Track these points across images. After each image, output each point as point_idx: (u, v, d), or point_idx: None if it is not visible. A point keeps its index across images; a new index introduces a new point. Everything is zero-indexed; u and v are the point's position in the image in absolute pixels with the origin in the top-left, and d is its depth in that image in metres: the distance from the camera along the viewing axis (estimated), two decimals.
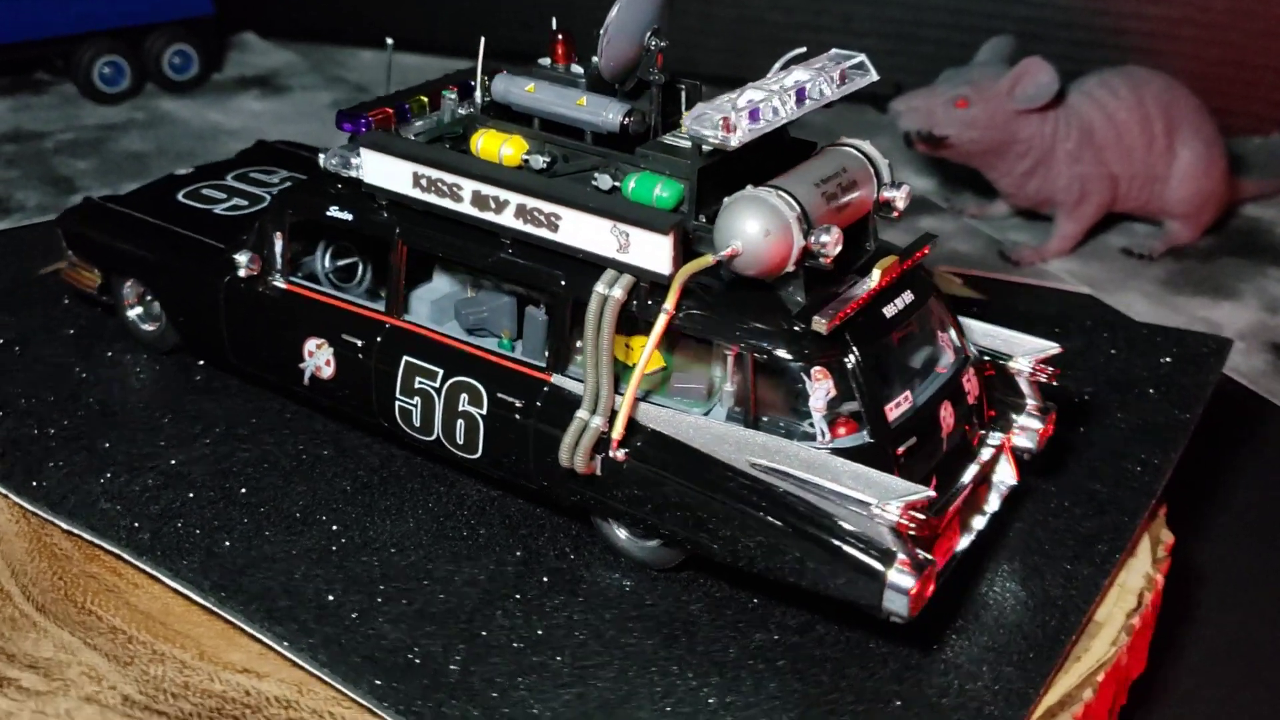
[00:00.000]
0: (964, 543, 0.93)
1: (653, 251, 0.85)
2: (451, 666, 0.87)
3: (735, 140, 0.81)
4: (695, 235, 0.87)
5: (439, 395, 0.97)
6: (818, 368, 0.84)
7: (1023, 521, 1.04)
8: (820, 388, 0.84)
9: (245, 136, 2.36)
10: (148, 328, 1.23)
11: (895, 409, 0.87)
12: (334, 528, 1.01)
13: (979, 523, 0.96)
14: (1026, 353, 0.99)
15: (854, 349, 0.85)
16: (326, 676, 0.87)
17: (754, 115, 0.83)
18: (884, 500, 0.80)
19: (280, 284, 1.08)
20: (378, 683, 0.85)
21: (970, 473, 0.94)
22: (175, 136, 2.37)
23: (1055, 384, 0.99)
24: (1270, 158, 2.39)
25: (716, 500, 0.85)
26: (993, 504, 0.98)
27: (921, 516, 0.80)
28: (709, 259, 0.83)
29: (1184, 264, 2.09)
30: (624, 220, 0.86)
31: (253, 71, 2.76)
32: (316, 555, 0.98)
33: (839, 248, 0.82)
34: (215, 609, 0.93)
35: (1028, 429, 1.00)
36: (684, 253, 0.86)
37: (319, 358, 1.05)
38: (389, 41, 1.08)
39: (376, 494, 1.05)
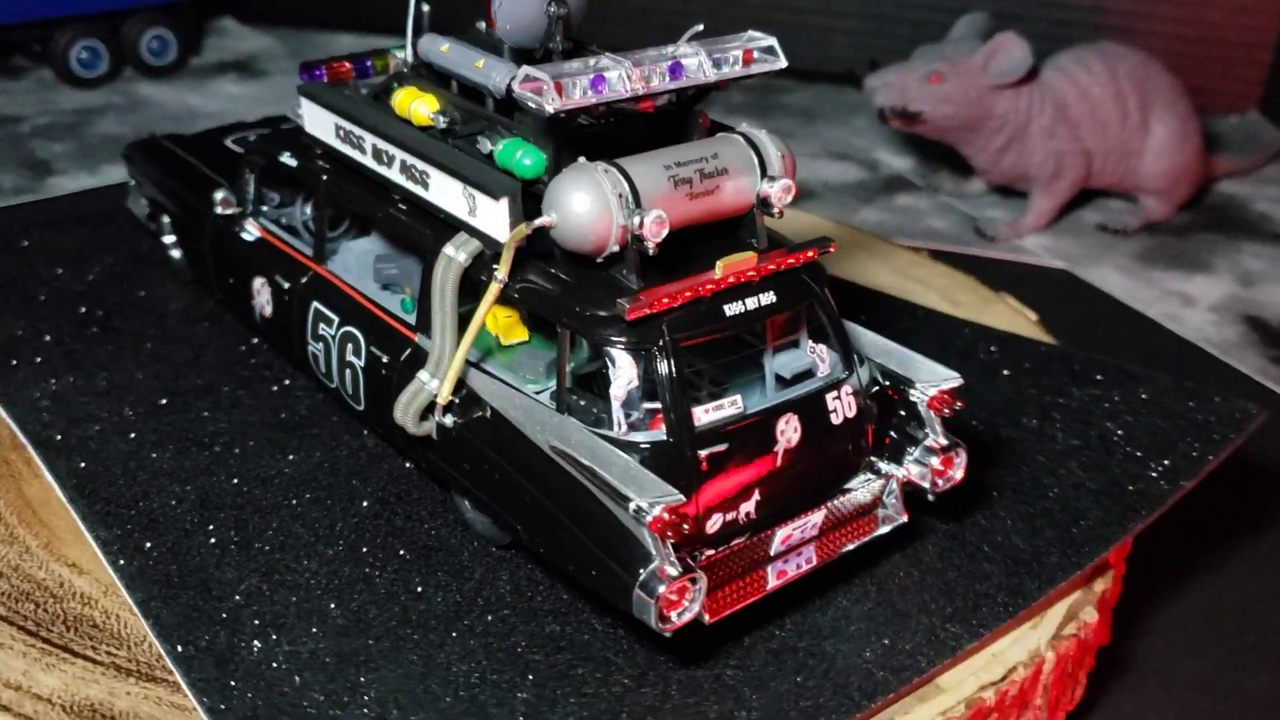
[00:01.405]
0: (796, 571, 0.85)
1: (492, 216, 0.83)
2: (237, 600, 0.88)
3: (551, 106, 0.77)
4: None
5: (334, 343, 0.99)
6: (621, 354, 0.79)
7: (916, 567, 0.93)
8: (622, 375, 0.79)
9: (223, 120, 2.35)
10: (176, 255, 1.29)
11: (711, 412, 0.81)
12: (227, 463, 1.02)
13: (846, 549, 0.89)
14: (927, 381, 0.90)
15: (665, 340, 0.79)
16: (119, 581, 0.89)
17: (597, 84, 0.79)
18: (643, 499, 0.74)
19: (246, 224, 1.12)
20: (152, 603, 0.87)
21: (831, 498, 0.87)
22: (153, 120, 2.36)
23: (952, 415, 0.90)
24: (1245, 135, 2.40)
25: (514, 479, 0.83)
26: (868, 536, 0.89)
27: (676, 521, 0.74)
28: (525, 228, 0.80)
29: (1159, 239, 2.10)
30: (469, 183, 0.85)
31: (231, 56, 2.75)
32: (188, 480, 1.00)
33: (663, 233, 0.77)
34: (67, 504, 0.97)
35: (922, 465, 0.89)
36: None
37: (262, 296, 1.09)
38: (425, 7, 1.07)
39: (281, 434, 1.06)
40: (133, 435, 1.05)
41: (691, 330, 0.80)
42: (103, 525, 0.94)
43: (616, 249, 0.78)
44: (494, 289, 0.81)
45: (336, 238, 1.10)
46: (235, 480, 1.00)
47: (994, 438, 1.08)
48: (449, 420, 0.88)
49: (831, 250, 0.86)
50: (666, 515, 0.73)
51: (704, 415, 0.80)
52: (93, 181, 2.09)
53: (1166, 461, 1.04)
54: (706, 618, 0.78)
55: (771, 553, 0.83)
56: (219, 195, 1.13)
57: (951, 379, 0.90)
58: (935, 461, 0.89)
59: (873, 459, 0.90)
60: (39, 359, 1.16)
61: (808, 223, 1.52)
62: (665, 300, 0.78)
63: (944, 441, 0.89)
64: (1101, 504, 1.00)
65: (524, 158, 0.82)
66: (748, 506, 0.82)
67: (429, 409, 0.88)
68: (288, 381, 1.13)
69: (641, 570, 0.74)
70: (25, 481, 1.02)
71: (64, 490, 0.99)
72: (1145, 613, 1.28)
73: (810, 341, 0.88)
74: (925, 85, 1.94)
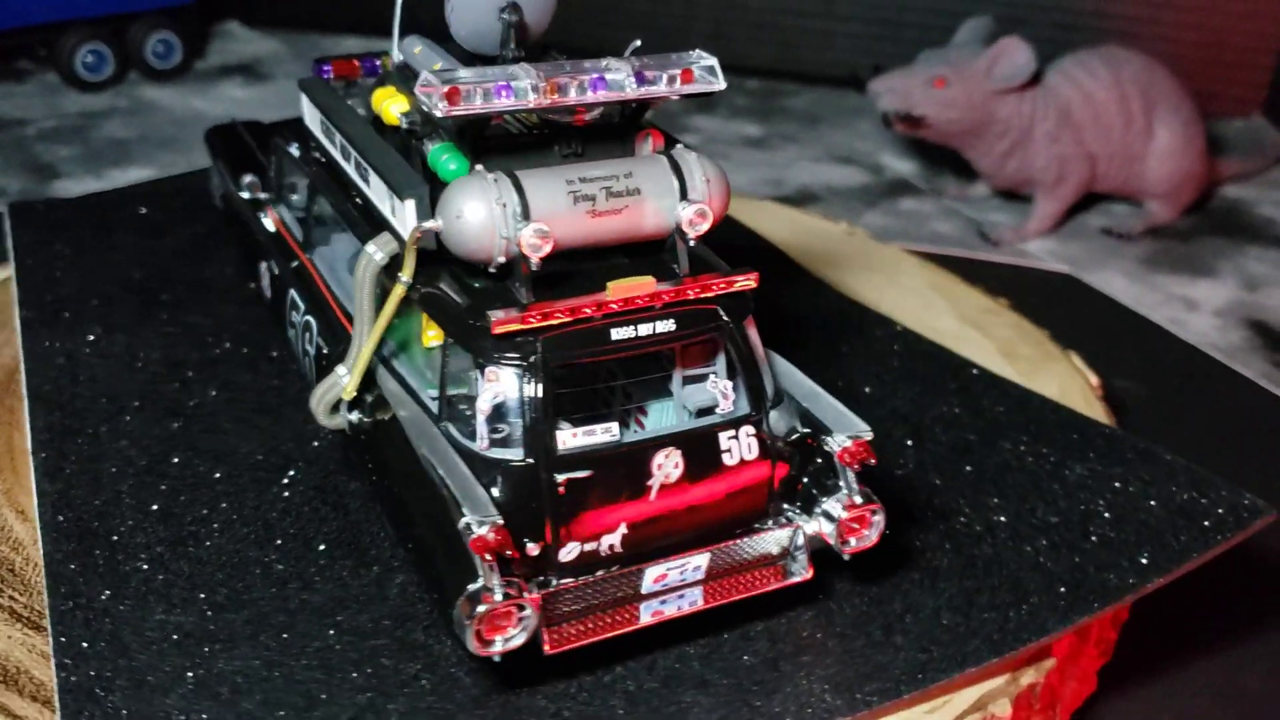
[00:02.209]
0: (677, 612, 0.81)
1: (404, 217, 0.82)
2: (137, 565, 0.88)
3: (439, 111, 0.75)
4: None
5: (299, 330, 1.02)
6: (490, 367, 0.77)
7: (822, 629, 0.87)
8: (489, 389, 0.77)
9: None
10: None
11: (580, 437, 0.77)
12: (191, 436, 1.03)
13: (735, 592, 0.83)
14: (841, 430, 0.83)
15: (536, 357, 0.76)
16: (40, 531, 0.91)
17: (501, 91, 0.76)
18: (471, 517, 0.72)
19: (266, 209, 1.17)
20: (59, 555, 0.88)
21: (721, 542, 0.82)
22: (158, 124, 2.37)
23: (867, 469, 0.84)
24: (1249, 139, 2.41)
25: (391, 481, 0.83)
26: (768, 588, 0.83)
27: (500, 543, 0.71)
28: (416, 231, 0.80)
29: (1164, 243, 2.10)
30: (388, 182, 0.84)
31: (236, 59, 2.76)
32: (147, 447, 1.01)
33: (545, 249, 0.75)
34: (29, 454, 1.00)
35: (830, 521, 0.82)
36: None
37: (265, 280, 1.14)
38: None
39: (257, 415, 1.06)
40: (116, 398, 1.07)
41: (570, 351, 0.77)
42: (48, 479, 0.96)
43: (503, 260, 0.76)
44: (398, 290, 0.81)
45: (332, 228, 1.12)
46: (190, 453, 1.01)
47: (971, 503, 1.00)
48: (355, 417, 0.89)
49: (754, 283, 0.81)
50: (491, 535, 0.71)
51: (571, 439, 0.77)
52: (98, 185, 2.09)
53: (1147, 553, 0.94)
54: (546, 648, 0.75)
55: (643, 590, 0.79)
56: (246, 179, 1.19)
57: (863, 431, 0.83)
58: (845, 518, 0.82)
59: (786, 507, 0.84)
60: (77, 316, 1.19)
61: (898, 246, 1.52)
62: (539, 317, 0.75)
63: (857, 498, 0.82)
64: (1053, 590, 0.90)
65: (449, 161, 0.81)
66: (612, 539, 0.78)
67: (339, 403, 0.89)
68: (294, 368, 1.15)
69: (466, 590, 0.71)
70: (16, 429, 1.07)
71: (33, 440, 1.01)
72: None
73: (715, 376, 0.84)
74: (929, 90, 1.94)
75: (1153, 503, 1.00)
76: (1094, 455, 1.06)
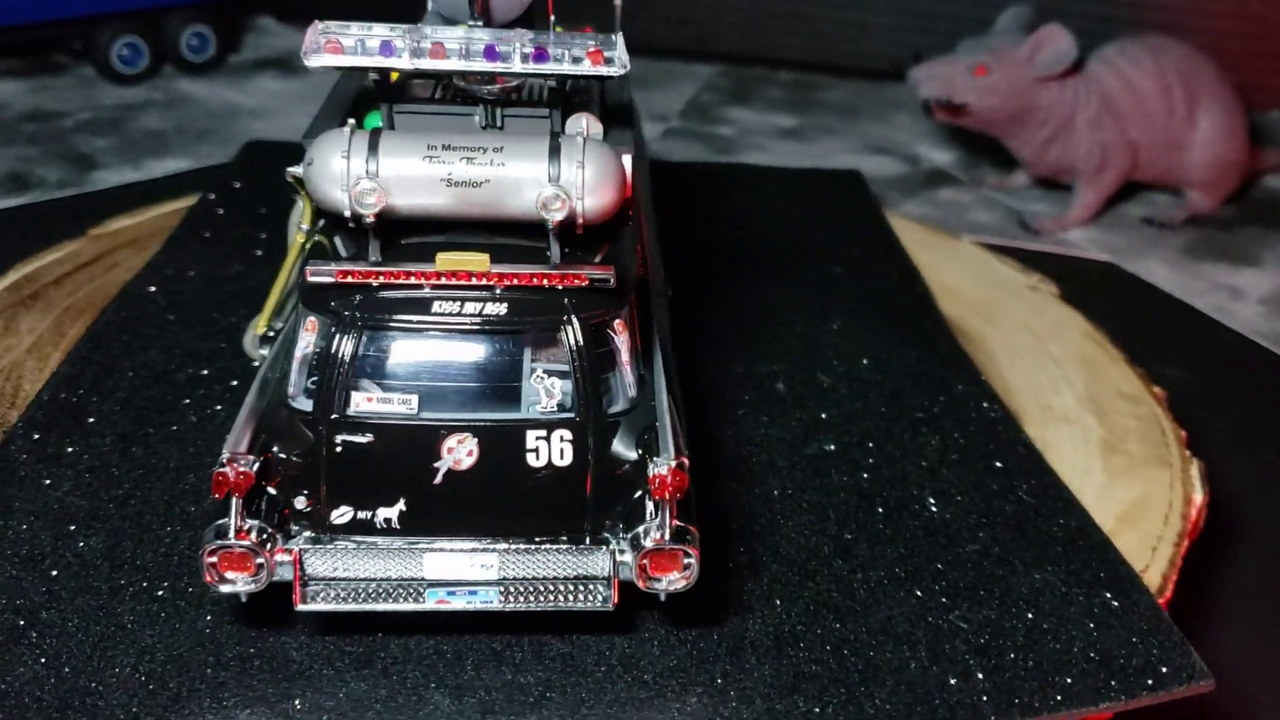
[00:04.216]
0: (466, 606, 0.77)
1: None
2: (19, 530, 0.89)
3: (309, 62, 0.76)
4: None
5: None
6: (309, 317, 0.77)
7: (619, 670, 0.80)
8: (304, 338, 0.77)
9: (264, 116, 2.37)
10: None
11: (374, 403, 0.76)
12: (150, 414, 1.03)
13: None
14: (665, 455, 0.75)
15: (347, 315, 0.75)
16: None
17: (384, 49, 0.77)
18: (224, 452, 0.73)
19: None
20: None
21: (518, 545, 0.77)
22: (193, 116, 2.37)
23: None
24: None
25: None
26: (569, 605, 0.77)
27: (241, 482, 0.72)
28: (288, 175, 0.83)
29: (1205, 232, 2.08)
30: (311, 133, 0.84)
31: (270, 53, 2.76)
32: (108, 424, 1.02)
33: (376, 206, 0.74)
34: None
35: (634, 548, 0.76)
36: None
37: None
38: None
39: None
40: (112, 367, 1.09)
41: (386, 315, 0.75)
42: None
43: (347, 214, 0.76)
44: (298, 237, 0.86)
45: None
46: (142, 431, 1.01)
47: (904, 584, 0.89)
48: (264, 351, 0.92)
49: (610, 280, 0.76)
50: (230, 473, 0.72)
51: (365, 404, 0.76)
52: (135, 175, 2.09)
53: (1068, 682, 0.81)
54: (295, 602, 0.75)
55: (424, 575, 0.76)
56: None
57: (677, 463, 0.75)
58: (646, 552, 0.75)
59: (609, 525, 0.78)
60: (161, 291, 1.22)
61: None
62: (356, 275, 0.75)
63: (665, 534, 0.75)
64: (911, 696, 0.79)
65: (369, 122, 0.84)
66: (389, 513, 0.76)
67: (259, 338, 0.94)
68: None
69: (211, 536, 0.73)
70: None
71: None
72: None
73: (543, 372, 0.79)
74: (970, 77, 1.93)
75: (1099, 633, 0.86)
76: (1076, 563, 0.93)
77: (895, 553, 0.92)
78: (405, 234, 0.79)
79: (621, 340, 0.79)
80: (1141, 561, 0.97)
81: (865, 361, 1.18)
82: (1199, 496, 1.07)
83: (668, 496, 0.75)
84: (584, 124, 0.84)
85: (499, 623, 0.81)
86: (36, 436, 0.99)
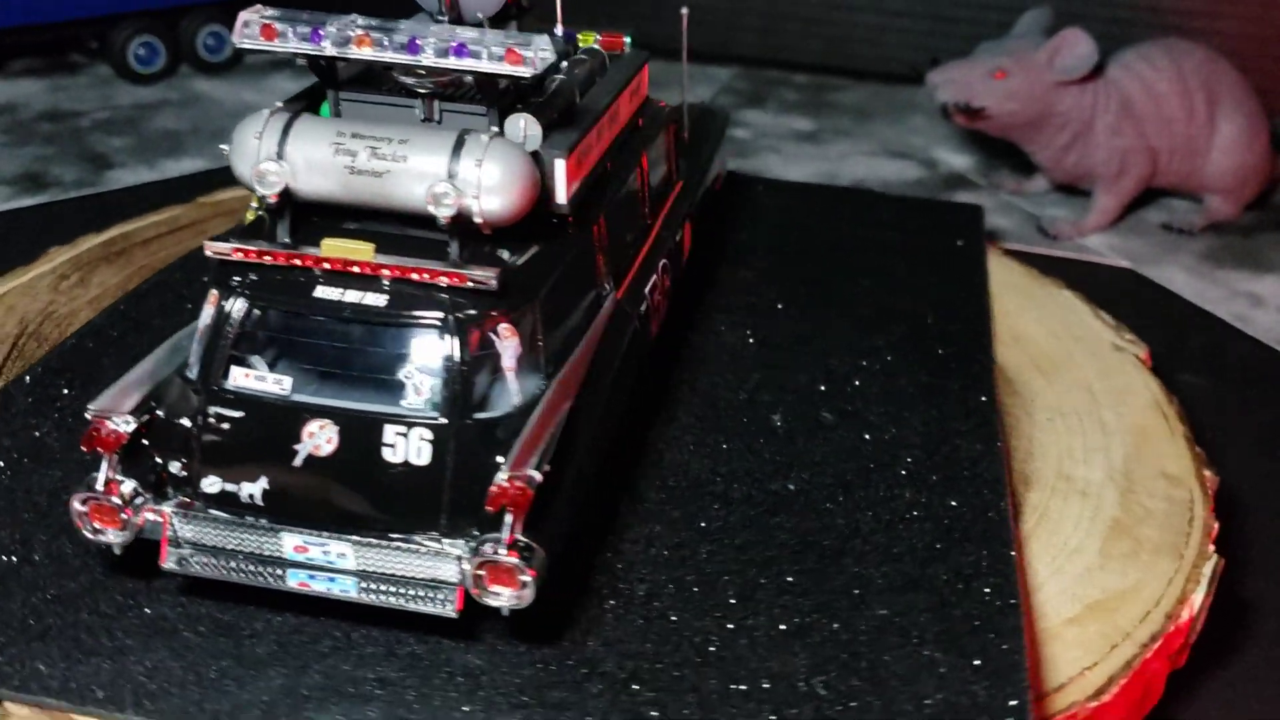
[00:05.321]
0: (326, 592, 0.77)
1: None
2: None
3: (246, 44, 0.77)
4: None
5: None
6: (211, 290, 0.80)
7: (470, 669, 0.78)
8: (206, 311, 0.80)
9: None
10: None
11: (250, 379, 0.78)
12: None
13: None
14: (510, 466, 0.72)
15: (234, 292, 0.78)
16: None
17: (315, 36, 0.77)
18: (89, 411, 0.78)
19: None
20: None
21: (372, 539, 0.76)
22: (209, 115, 2.38)
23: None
24: None
25: None
26: (420, 606, 0.75)
27: (110, 440, 0.76)
28: (223, 151, 0.84)
29: (1225, 239, 2.06)
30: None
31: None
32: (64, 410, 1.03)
33: (275, 186, 0.76)
34: None
35: (472, 558, 0.73)
36: None
37: None
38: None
39: None
40: (97, 355, 1.09)
41: (269, 295, 0.78)
42: None
43: (262, 192, 0.78)
44: (248, 214, 0.89)
45: None
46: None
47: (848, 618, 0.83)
48: None
49: (490, 285, 0.75)
50: (103, 430, 0.75)
51: (242, 379, 0.78)
52: (151, 175, 2.10)
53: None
54: (160, 560, 0.77)
55: (284, 555, 0.76)
56: None
57: (530, 479, 0.71)
58: (478, 564, 0.72)
59: (467, 531, 0.75)
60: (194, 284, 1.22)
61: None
62: (245, 254, 0.78)
63: (499, 550, 0.71)
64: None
65: (323, 111, 0.86)
66: (253, 489, 0.77)
67: None
68: None
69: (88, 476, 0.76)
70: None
71: None
72: None
73: (417, 369, 0.77)
74: (989, 81, 1.91)
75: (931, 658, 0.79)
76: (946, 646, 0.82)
77: (801, 606, 0.84)
78: (329, 218, 0.81)
79: (507, 345, 0.78)
80: (1091, 658, 0.87)
81: (880, 405, 1.09)
82: (1200, 596, 0.93)
83: (505, 508, 0.72)
84: (521, 125, 0.83)
85: (370, 614, 0.79)
86: (44, 378, 1.04)
